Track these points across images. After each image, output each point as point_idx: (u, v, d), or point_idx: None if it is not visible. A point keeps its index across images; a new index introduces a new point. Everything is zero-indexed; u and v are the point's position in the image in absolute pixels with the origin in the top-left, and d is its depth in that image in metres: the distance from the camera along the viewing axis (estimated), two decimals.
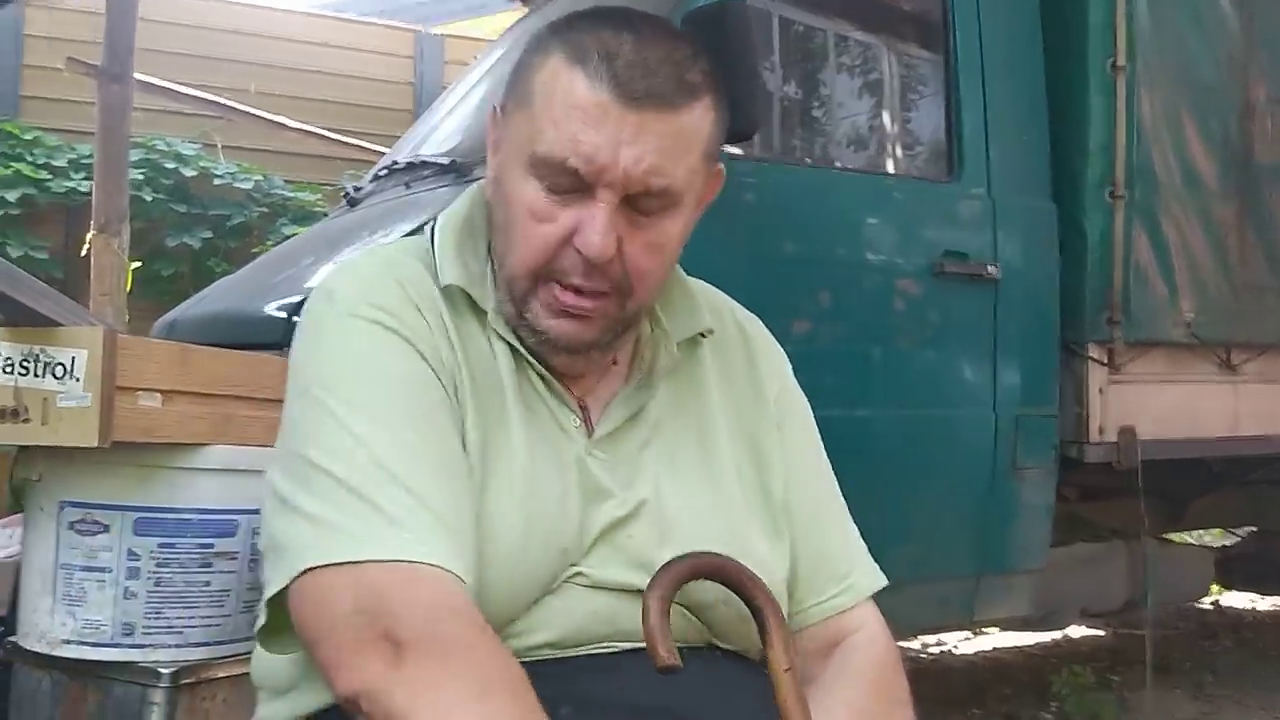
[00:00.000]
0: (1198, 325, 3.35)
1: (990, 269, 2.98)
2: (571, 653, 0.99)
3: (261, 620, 0.97)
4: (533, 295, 1.02)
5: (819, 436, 1.23)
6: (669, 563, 0.94)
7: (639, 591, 0.96)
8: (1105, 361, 3.20)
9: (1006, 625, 4.02)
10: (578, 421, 1.07)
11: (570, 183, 0.99)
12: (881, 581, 1.19)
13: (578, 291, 1.01)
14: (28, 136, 5.53)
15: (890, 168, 3.17)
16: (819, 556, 1.15)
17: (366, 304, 1.00)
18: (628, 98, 0.97)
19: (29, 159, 5.45)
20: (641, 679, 0.92)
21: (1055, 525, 3.26)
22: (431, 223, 1.13)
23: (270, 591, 0.93)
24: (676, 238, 1.05)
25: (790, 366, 1.25)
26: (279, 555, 0.93)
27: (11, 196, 5.29)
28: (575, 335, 1.03)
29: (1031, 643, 4.89)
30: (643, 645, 0.93)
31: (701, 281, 1.22)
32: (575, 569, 1.01)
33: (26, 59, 5.76)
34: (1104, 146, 3.17)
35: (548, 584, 0.99)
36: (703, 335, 1.16)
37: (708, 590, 1.00)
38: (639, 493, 1.05)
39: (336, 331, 1.00)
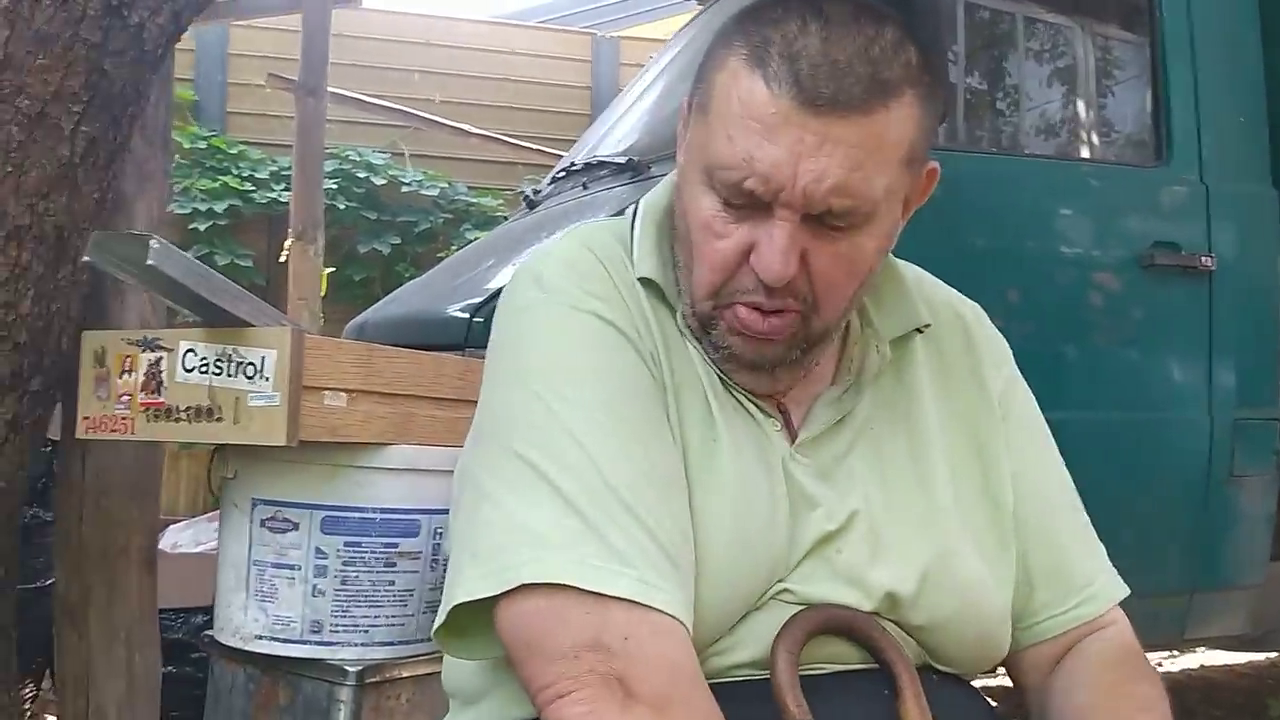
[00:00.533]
0: None
1: (1204, 260, 2.77)
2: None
3: (442, 619, 0.89)
4: (716, 317, 0.96)
5: (1046, 429, 1.13)
6: (798, 614, 0.91)
7: (847, 609, 0.94)
8: None
9: (1221, 644, 3.75)
10: (778, 425, 0.99)
11: (747, 200, 0.91)
12: (1125, 590, 1.10)
13: (759, 310, 0.93)
14: (233, 151, 5.84)
15: (1092, 154, 2.98)
16: (1056, 565, 1.06)
17: (580, 291, 0.95)
18: (810, 104, 0.86)
19: (235, 172, 5.75)
20: (849, 705, 0.88)
21: (1276, 537, 3.01)
22: (634, 206, 1.07)
23: (470, 596, 0.86)
24: (872, 251, 0.95)
25: (1012, 354, 1.15)
26: (485, 559, 0.86)
27: (219, 208, 5.59)
28: (758, 353, 0.96)
29: (1244, 661, 4.56)
30: (854, 668, 0.92)
31: (916, 268, 1.13)
32: (782, 584, 0.93)
33: (231, 76, 6.08)
34: None
35: (755, 600, 0.92)
36: (918, 331, 1.07)
37: (923, 611, 0.95)
38: (849, 503, 0.97)
39: (552, 321, 0.95)
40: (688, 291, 0.98)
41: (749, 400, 0.99)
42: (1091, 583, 1.07)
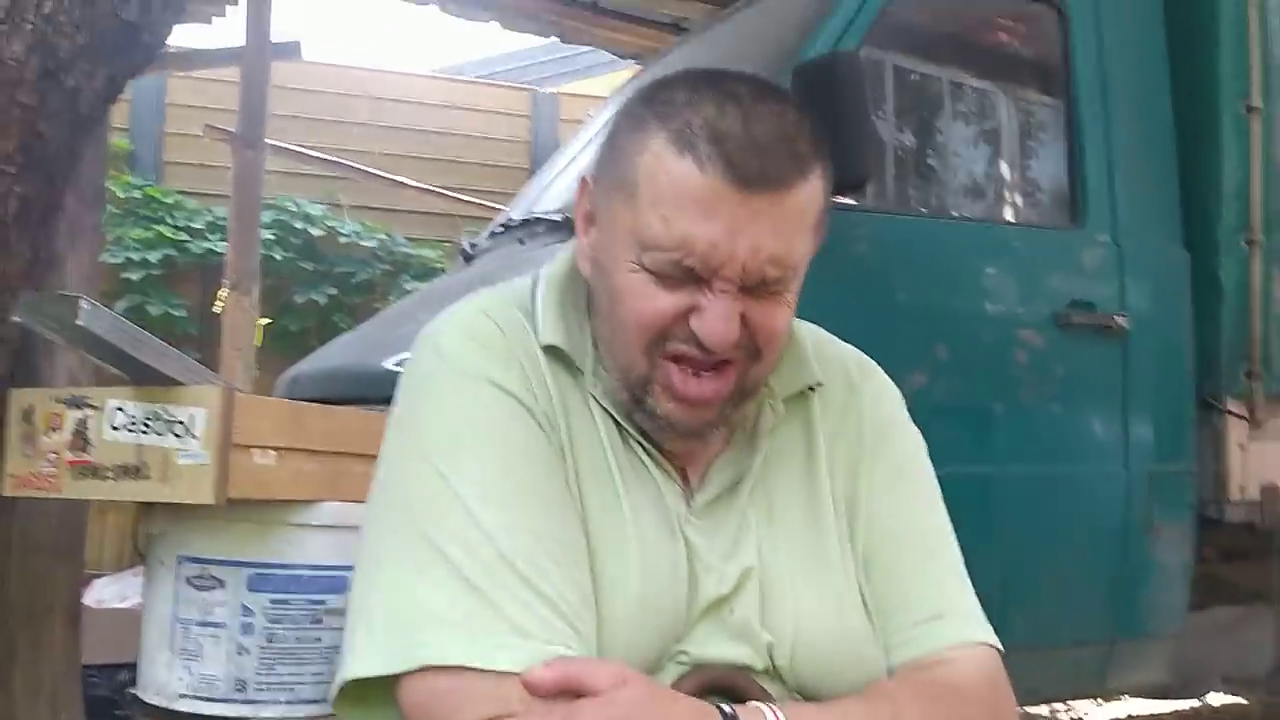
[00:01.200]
0: None
1: (1119, 319, 2.87)
2: None
3: (336, 691, 0.91)
4: (650, 380, 0.97)
5: (924, 471, 1.13)
6: (682, 677, 0.94)
7: (744, 668, 0.97)
8: (1245, 416, 3.03)
9: (1142, 693, 3.81)
10: (678, 489, 1.02)
11: (684, 276, 0.93)
12: (976, 636, 1.04)
13: (695, 372, 0.96)
14: (169, 200, 5.81)
15: (1011, 215, 3.08)
16: (889, 600, 1.04)
17: (478, 359, 0.96)
18: (742, 184, 0.90)
19: (170, 221, 5.72)
20: None
21: (1194, 588, 3.08)
22: (535, 275, 1.08)
23: (369, 673, 0.87)
24: (795, 300, 1.00)
25: (903, 407, 1.16)
26: (383, 636, 0.87)
27: (154, 258, 5.55)
28: (697, 419, 0.98)
29: (1169, 711, 4.64)
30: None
31: (814, 328, 1.16)
32: (679, 647, 0.96)
33: (169, 126, 6.06)
34: (1239, 190, 3.03)
35: (655, 663, 0.94)
36: (810, 389, 1.10)
37: (809, 664, 0.98)
38: (741, 562, 1.00)
39: (449, 391, 0.96)
40: (615, 366, 0.99)
41: (651, 461, 1.01)
42: (922, 623, 1.03)
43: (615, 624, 0.92)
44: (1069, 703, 4.52)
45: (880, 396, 1.15)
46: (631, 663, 0.91)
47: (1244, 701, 4.76)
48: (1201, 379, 3.00)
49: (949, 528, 1.11)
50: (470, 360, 0.96)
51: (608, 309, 0.99)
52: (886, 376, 1.17)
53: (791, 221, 0.93)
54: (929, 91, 3.03)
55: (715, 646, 0.97)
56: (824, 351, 1.14)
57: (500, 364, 0.96)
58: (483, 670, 0.84)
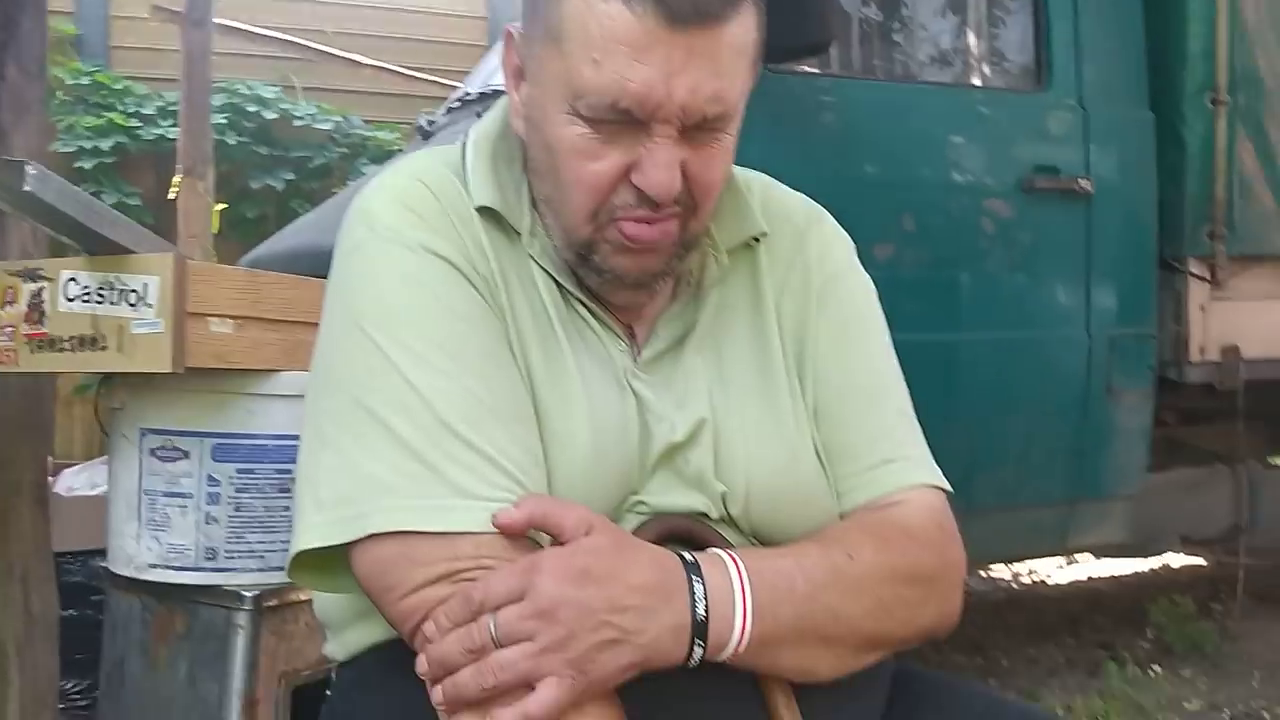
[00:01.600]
0: None
1: (1083, 183, 2.87)
2: None
3: (289, 560, 0.92)
4: (597, 239, 0.96)
5: (873, 318, 1.13)
6: (642, 524, 0.95)
7: (700, 515, 0.98)
8: (1207, 278, 3.07)
9: (1102, 553, 3.93)
10: (624, 345, 1.01)
11: (620, 121, 0.91)
12: (925, 479, 1.05)
13: (643, 222, 0.94)
14: (118, 86, 5.64)
15: (976, 80, 3.05)
16: (841, 446, 1.05)
17: (409, 226, 0.94)
18: (674, 21, 0.87)
19: (120, 108, 5.56)
20: None
21: (1153, 449, 3.16)
22: (464, 138, 1.05)
23: (320, 543, 0.87)
24: (733, 145, 0.98)
25: (852, 253, 1.14)
26: (331, 507, 0.88)
27: (105, 145, 5.41)
28: (642, 269, 0.97)
29: (1128, 572, 4.78)
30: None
31: (764, 178, 1.14)
32: (636, 497, 0.97)
33: (114, 9, 5.85)
34: (1204, 50, 3.02)
35: (610, 514, 0.94)
36: (755, 240, 1.08)
37: (764, 513, 0.99)
38: (694, 413, 0.99)
39: (382, 260, 0.94)
40: (557, 225, 0.98)
41: (595, 319, 1.00)
42: (875, 467, 1.04)
43: (569, 479, 0.92)
44: (1031, 565, 4.65)
45: (828, 244, 1.13)
46: (598, 504, 0.92)
47: (1202, 561, 4.92)
48: (1164, 241, 3.02)
49: (898, 373, 1.11)
50: (402, 227, 0.95)
51: (546, 166, 0.97)
52: (836, 223, 1.16)
53: (728, 57, 0.91)
54: None
55: (670, 496, 0.97)
56: (771, 201, 1.13)
57: (433, 229, 0.95)
58: (428, 533, 0.85)
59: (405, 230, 0.94)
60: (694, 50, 0.88)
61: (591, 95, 0.90)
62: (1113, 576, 4.76)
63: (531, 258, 0.99)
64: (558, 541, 0.86)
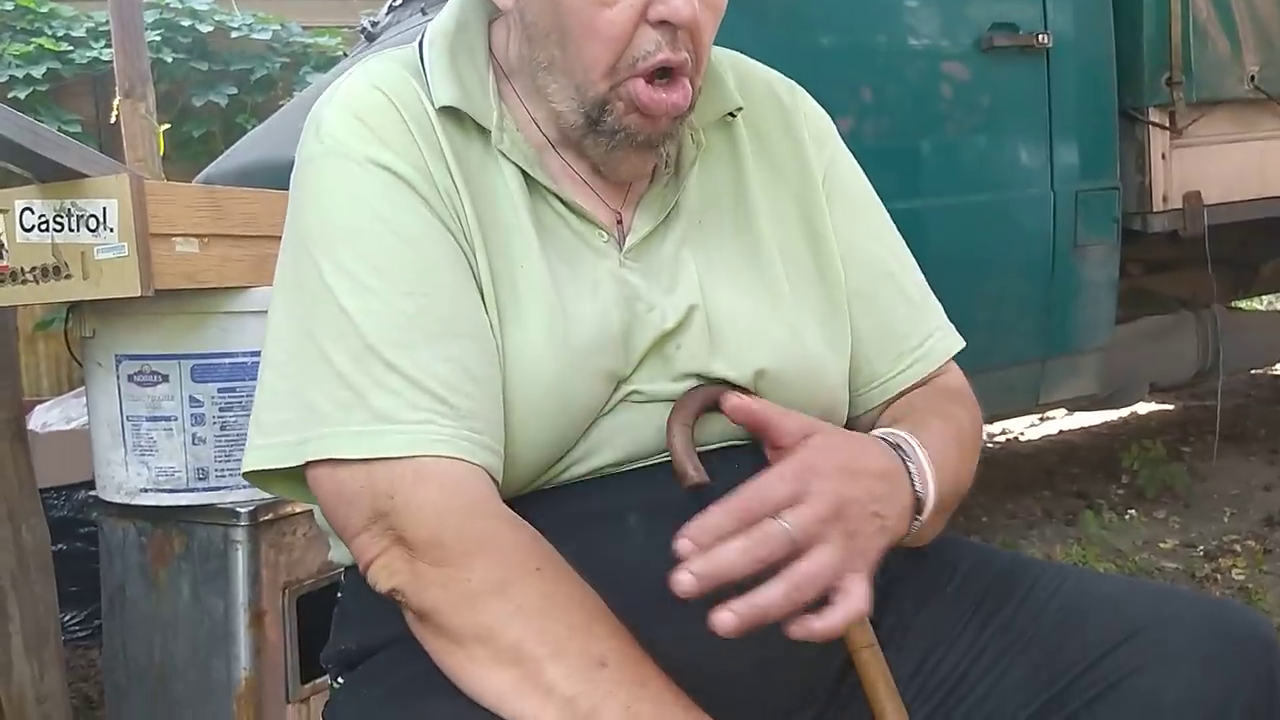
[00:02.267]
0: (1263, 79, 3.20)
1: (1041, 38, 2.84)
2: (634, 467, 0.96)
3: (242, 472, 0.94)
4: (612, 97, 0.94)
5: (874, 198, 1.14)
6: (689, 391, 0.95)
7: (728, 385, 0.97)
8: (1167, 125, 3.07)
9: (1074, 406, 4.00)
10: (605, 236, 0.99)
11: None
12: (959, 344, 1.12)
13: (656, 83, 0.93)
14: (44, 10, 5.45)
15: None
16: (887, 331, 1.08)
17: (357, 139, 0.92)
18: None
19: (48, 32, 5.39)
20: (730, 473, 0.90)
21: (1121, 300, 3.20)
22: (420, 36, 1.02)
23: (259, 466, 0.90)
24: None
25: (835, 129, 1.14)
26: (270, 432, 0.90)
27: (37, 72, 5.25)
28: (655, 129, 0.96)
29: (1099, 422, 4.89)
30: (730, 444, 0.97)
31: (731, 52, 1.12)
32: (629, 387, 0.95)
33: None
34: None
35: (597, 408, 0.94)
36: (731, 115, 1.06)
37: (769, 393, 0.98)
38: (684, 299, 0.98)
39: (327, 177, 0.92)
40: (564, 89, 0.96)
41: (572, 215, 0.99)
42: (923, 343, 1.09)
43: (552, 376, 0.91)
44: (1004, 423, 4.74)
45: (819, 118, 1.13)
46: (566, 412, 0.92)
47: (1170, 407, 5.03)
48: (1123, 92, 3.02)
49: (905, 247, 1.14)
50: (351, 140, 0.92)
51: (552, 25, 0.94)
52: (808, 94, 1.15)
53: None
54: None
55: (666, 383, 0.97)
56: (745, 75, 1.11)
57: (382, 140, 0.92)
58: (354, 461, 0.85)
59: (353, 143, 0.92)
60: None
61: None
62: (1085, 428, 4.86)
63: (501, 153, 0.97)
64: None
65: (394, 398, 0.86)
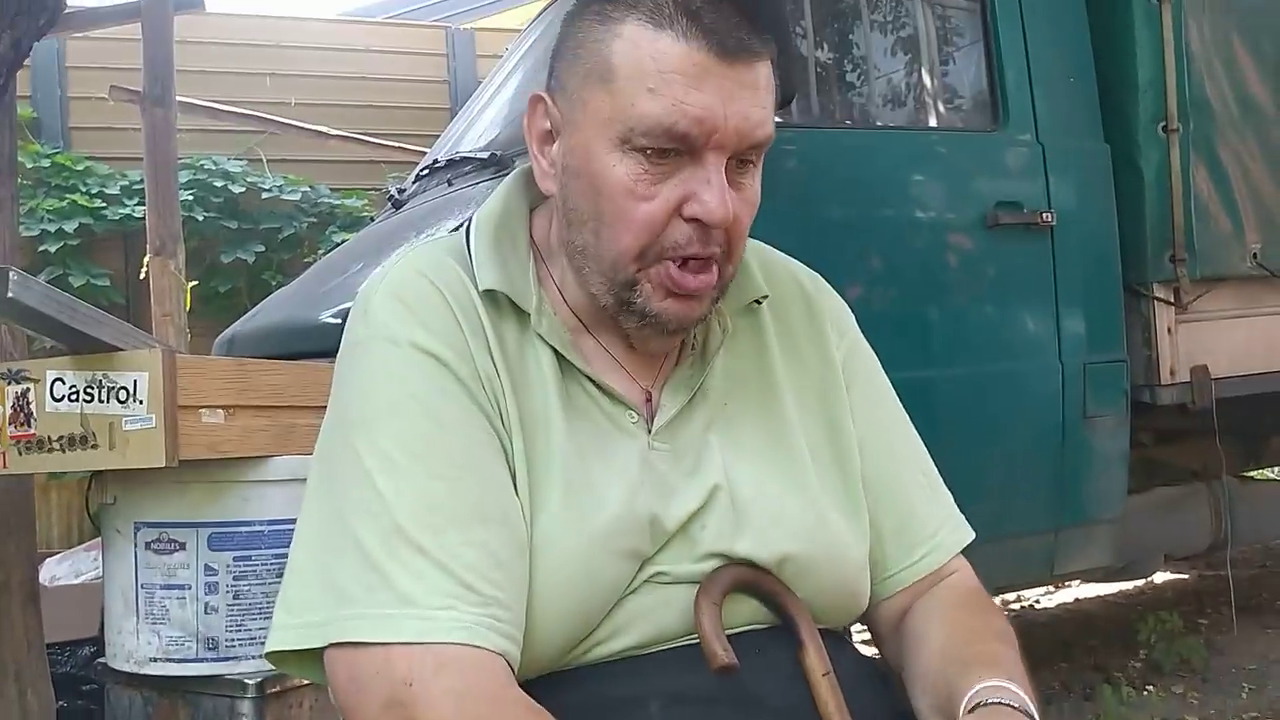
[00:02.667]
0: (1266, 256, 3.26)
1: (1045, 216, 2.92)
2: (656, 649, 0.96)
3: (265, 652, 0.94)
4: (641, 278, 0.97)
5: (890, 388, 1.17)
6: (716, 571, 0.96)
7: (755, 567, 0.98)
8: (1172, 301, 3.13)
9: (1089, 577, 3.96)
10: (635, 416, 1.01)
11: (679, 145, 0.93)
12: (969, 535, 1.14)
13: (687, 266, 0.96)
14: (79, 167, 5.63)
15: (934, 121, 3.11)
16: (903, 521, 1.10)
17: (400, 322, 0.95)
18: (724, 54, 0.93)
19: (83, 189, 5.56)
20: (758, 656, 0.93)
21: (1132, 471, 3.20)
22: (467, 222, 1.06)
23: (283, 647, 0.90)
24: (759, 191, 1.01)
25: (854, 319, 1.18)
26: (297, 612, 0.89)
27: (69, 227, 5.40)
28: (686, 315, 0.99)
29: (1115, 591, 4.82)
30: (759, 627, 0.98)
31: (754, 241, 1.13)
32: (654, 568, 0.96)
33: (71, 90, 5.86)
34: (1153, 80, 3.09)
35: (622, 589, 0.95)
36: (757, 301, 1.10)
37: (792, 575, 0.99)
38: (708, 479, 1.00)
39: (371, 360, 0.95)
40: (596, 272, 0.99)
41: (603, 396, 1.01)
42: (935, 534, 1.11)
43: (579, 560, 0.92)
44: (1019, 592, 4.68)
45: (839, 308, 1.17)
46: (590, 595, 0.93)
47: (1185, 577, 4.97)
48: (1128, 268, 3.08)
49: (916, 434, 1.17)
50: (395, 324, 0.95)
51: (589, 212, 0.98)
52: (829, 285, 1.19)
53: (765, 93, 0.96)
54: (846, 3, 3.03)
55: (690, 565, 0.97)
56: (769, 264, 1.15)
57: (425, 324, 0.95)
58: (373, 645, 0.85)
59: (397, 327, 0.95)
60: (741, 82, 0.94)
61: (649, 121, 0.93)
62: (1101, 597, 4.79)
63: (539, 336, 0.99)
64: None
65: (419, 581, 0.86)
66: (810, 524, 1.01)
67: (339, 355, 1.00)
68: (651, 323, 0.99)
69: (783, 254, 1.19)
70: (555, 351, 1.00)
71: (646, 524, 0.96)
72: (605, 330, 1.03)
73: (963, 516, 1.15)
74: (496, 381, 0.96)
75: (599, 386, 1.01)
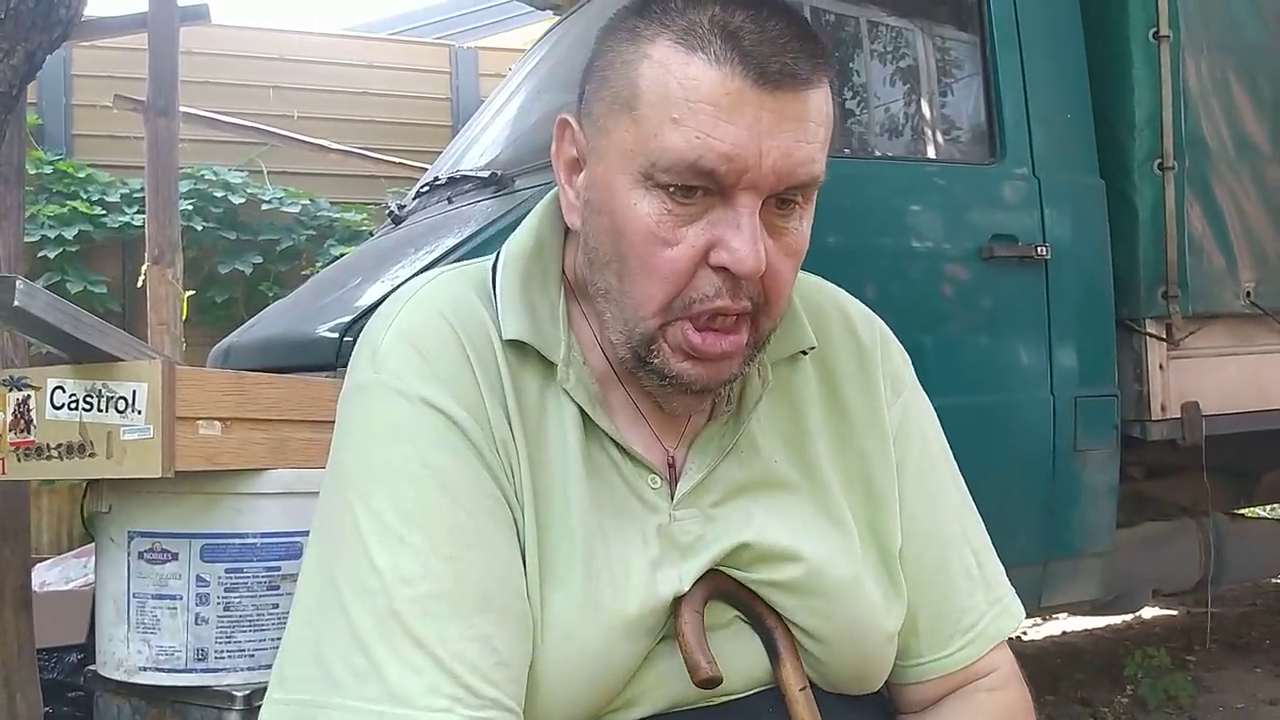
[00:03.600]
0: (1259, 294, 3.28)
1: (1040, 250, 2.94)
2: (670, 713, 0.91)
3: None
4: (660, 337, 0.88)
5: (944, 451, 1.07)
6: (698, 581, 0.91)
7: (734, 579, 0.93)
8: (1164, 337, 3.14)
9: (1077, 610, 3.96)
10: (658, 482, 0.93)
11: (706, 183, 0.83)
12: (1014, 622, 1.04)
13: (714, 324, 0.87)
14: (81, 174, 5.67)
15: (932, 153, 3.13)
16: (942, 608, 1.01)
17: (412, 373, 0.87)
18: (764, 80, 0.81)
19: (83, 196, 5.59)
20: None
21: (1122, 505, 3.21)
22: (497, 253, 0.97)
23: (284, 713, 0.82)
24: (808, 237, 0.90)
25: (912, 369, 1.08)
26: (290, 688, 0.83)
27: (69, 234, 5.43)
28: (709, 378, 0.89)
29: (1103, 625, 4.82)
30: (744, 694, 0.93)
31: (805, 275, 1.02)
32: (667, 629, 0.91)
33: (76, 98, 5.90)
34: (1150, 118, 3.12)
35: (638, 665, 0.89)
36: (803, 352, 1.00)
37: (814, 618, 0.94)
38: (736, 539, 0.92)
39: (375, 408, 0.87)
40: (618, 320, 0.89)
41: (626, 461, 0.93)
42: (976, 623, 1.01)
43: (594, 644, 0.87)
44: None
45: (900, 367, 1.07)
46: (621, 671, 0.88)
47: (1174, 613, 4.97)
48: (1121, 303, 3.10)
49: (969, 498, 1.08)
50: (406, 373, 0.87)
51: (610, 253, 0.88)
52: (889, 330, 1.09)
53: (815, 125, 0.85)
54: (846, 32, 3.06)
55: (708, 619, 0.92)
56: (820, 306, 1.04)
57: (440, 377, 0.87)
58: None
59: (407, 377, 0.87)
60: (784, 114, 0.83)
61: (671, 156, 0.82)
62: (1088, 631, 4.80)
63: (565, 391, 0.91)
64: None
65: (415, 678, 0.79)
66: (844, 590, 0.94)
67: (342, 394, 0.92)
68: (673, 383, 0.89)
69: (834, 288, 1.09)
70: (580, 411, 0.91)
71: (667, 605, 0.90)
72: (632, 380, 0.94)
73: (1014, 596, 1.06)
74: (511, 446, 0.88)
75: (621, 449, 0.92)
